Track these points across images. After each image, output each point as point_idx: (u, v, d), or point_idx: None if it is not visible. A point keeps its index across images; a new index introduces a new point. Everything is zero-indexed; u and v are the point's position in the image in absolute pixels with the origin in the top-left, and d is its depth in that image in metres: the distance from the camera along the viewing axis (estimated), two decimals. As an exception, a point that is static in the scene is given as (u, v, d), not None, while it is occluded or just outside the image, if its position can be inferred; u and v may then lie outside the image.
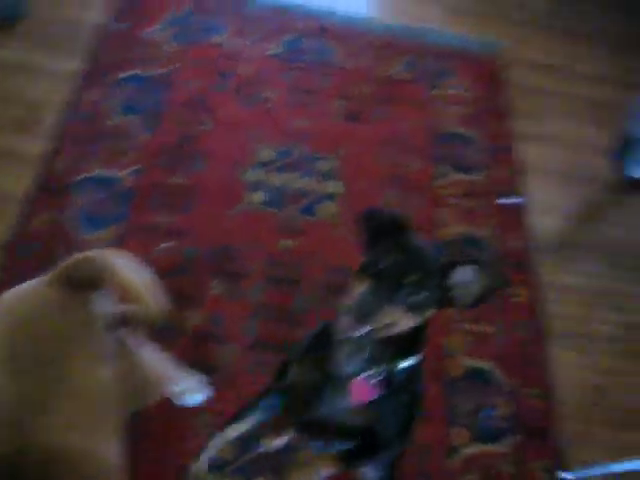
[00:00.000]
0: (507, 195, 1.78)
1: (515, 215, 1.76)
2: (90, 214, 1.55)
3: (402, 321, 0.85)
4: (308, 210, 1.66)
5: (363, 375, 0.92)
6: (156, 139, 1.71)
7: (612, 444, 1.42)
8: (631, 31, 2.35)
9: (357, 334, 0.85)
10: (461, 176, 1.81)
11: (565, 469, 1.36)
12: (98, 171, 1.63)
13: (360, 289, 0.83)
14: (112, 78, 1.81)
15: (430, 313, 0.87)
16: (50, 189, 1.58)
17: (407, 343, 0.90)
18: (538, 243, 1.70)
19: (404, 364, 0.93)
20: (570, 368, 1.51)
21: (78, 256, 0.88)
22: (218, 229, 1.58)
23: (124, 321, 0.94)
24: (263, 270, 1.54)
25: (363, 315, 0.82)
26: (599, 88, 2.14)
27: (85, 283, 0.87)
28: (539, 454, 1.40)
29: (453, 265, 0.86)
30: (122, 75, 1.82)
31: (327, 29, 2.08)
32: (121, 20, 1.95)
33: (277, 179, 1.70)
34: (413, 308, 0.84)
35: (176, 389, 1.25)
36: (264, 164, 1.72)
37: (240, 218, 1.61)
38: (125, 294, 0.96)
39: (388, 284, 0.82)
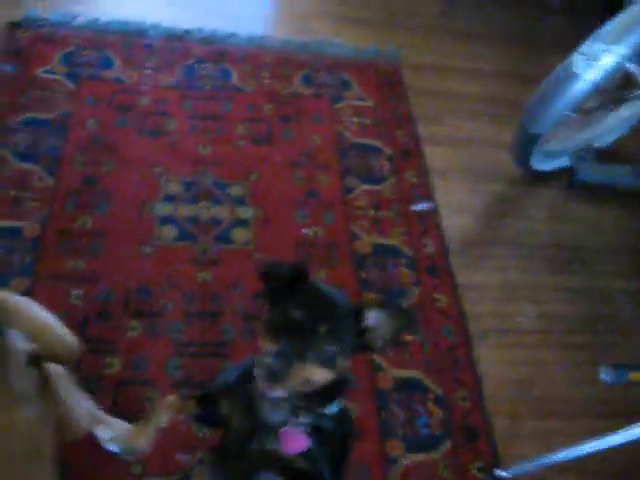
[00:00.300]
0: (418, 201, 1.81)
1: (428, 220, 1.79)
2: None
3: (317, 376, 0.82)
4: (222, 238, 1.64)
5: (290, 425, 0.90)
6: (58, 184, 1.66)
7: (541, 434, 1.46)
8: (525, 26, 2.43)
9: (274, 395, 0.83)
10: (371, 186, 1.83)
11: (500, 466, 1.39)
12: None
13: (269, 348, 0.81)
14: (5, 124, 1.74)
15: (345, 362, 0.85)
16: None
17: (329, 390, 0.88)
18: (451, 244, 1.73)
19: (331, 409, 0.91)
20: (495, 365, 1.55)
21: None
22: (131, 269, 1.55)
23: (36, 359, 0.93)
24: (182, 306, 1.51)
25: (275, 377, 0.79)
26: (497, 85, 2.21)
27: None
28: (475, 455, 1.42)
29: (361, 310, 0.85)
30: (16, 120, 1.76)
31: (223, 52, 2.07)
32: (10, 63, 1.88)
33: (187, 210, 1.68)
34: (326, 362, 0.81)
35: (100, 434, 1.22)
36: (172, 197, 1.69)
37: (153, 255, 1.58)
38: (32, 333, 0.96)
39: (296, 340, 0.79)
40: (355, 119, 1.99)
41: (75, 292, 1.48)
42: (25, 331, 0.95)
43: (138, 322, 1.47)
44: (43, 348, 0.95)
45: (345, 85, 2.08)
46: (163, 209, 1.67)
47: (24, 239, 1.55)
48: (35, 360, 0.92)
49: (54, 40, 1.99)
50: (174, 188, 1.71)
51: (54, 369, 0.99)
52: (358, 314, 0.85)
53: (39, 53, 1.94)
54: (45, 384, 0.94)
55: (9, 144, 1.71)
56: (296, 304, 0.82)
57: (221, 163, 1.79)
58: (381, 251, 1.70)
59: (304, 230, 1.69)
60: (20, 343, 0.91)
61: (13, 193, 1.62)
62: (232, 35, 2.12)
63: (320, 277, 1.60)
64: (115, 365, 1.40)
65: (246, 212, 1.70)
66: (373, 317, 0.84)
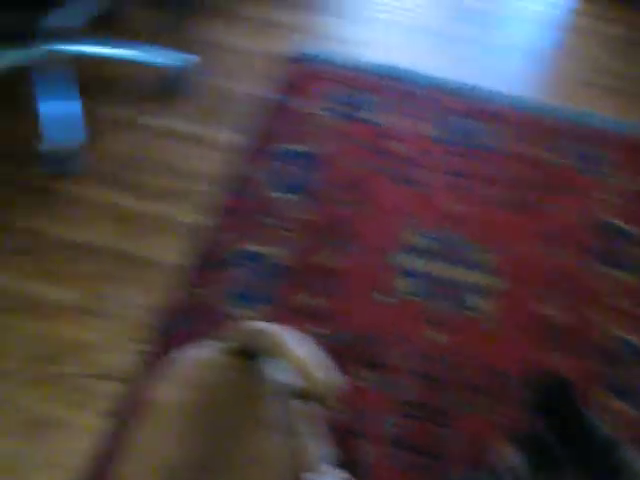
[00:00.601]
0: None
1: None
2: (239, 290, 1.55)
3: None
4: (459, 303, 1.58)
5: None
6: (308, 217, 1.70)
7: None
8: None
9: None
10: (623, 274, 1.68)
11: None
12: (249, 246, 1.63)
13: (514, 458, 0.74)
14: (268, 152, 1.83)
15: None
16: (200, 261, 1.59)
17: None
18: None
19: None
20: None
21: (250, 325, 0.94)
22: (363, 315, 1.54)
23: (294, 395, 0.95)
24: (408, 363, 1.47)
25: None
26: None
27: (258, 353, 0.92)
28: None
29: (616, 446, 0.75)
30: (278, 150, 1.84)
31: (483, 109, 2.03)
32: (282, 94, 1.97)
33: (427, 266, 1.64)
34: None
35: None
36: (415, 250, 1.67)
37: (386, 305, 1.56)
38: (295, 368, 0.96)
39: (549, 469, 0.73)
40: (616, 199, 1.85)
41: (307, 327, 1.50)
42: (286, 363, 0.95)
43: (368, 372, 1.45)
44: (304, 385, 0.95)
45: (606, 160, 1.95)
46: (403, 260, 1.64)
47: (267, 266, 1.60)
48: (298, 395, 0.93)
49: (321, 77, 2.06)
50: (418, 241, 1.69)
51: (302, 404, 0.99)
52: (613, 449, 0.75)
53: (306, 88, 2.02)
54: (292, 417, 0.96)
55: (265, 171, 1.79)
56: (554, 427, 0.76)
57: (468, 224, 1.74)
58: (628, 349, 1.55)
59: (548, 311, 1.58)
60: (279, 374, 0.92)
61: (262, 219, 1.69)
62: (494, 93, 2.08)
63: (560, 367, 1.49)
64: (337, 409, 1.39)
65: (489, 280, 1.63)
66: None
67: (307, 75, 2.06)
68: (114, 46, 1.90)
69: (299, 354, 0.98)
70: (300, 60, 2.09)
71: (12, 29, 1.71)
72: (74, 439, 1.30)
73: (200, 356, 0.98)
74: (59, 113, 1.70)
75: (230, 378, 0.92)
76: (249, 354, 0.93)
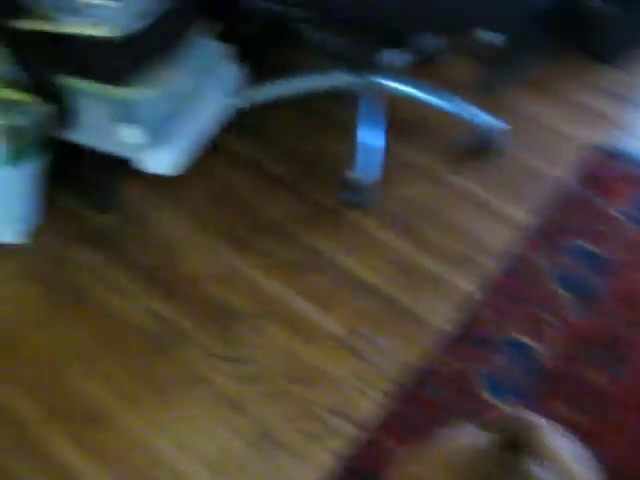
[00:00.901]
0: None
1: None
2: (496, 376, 1.47)
3: None
4: None
5: None
6: (580, 322, 1.58)
7: None
8: None
9: None
10: None
11: None
12: (513, 333, 1.55)
13: None
14: (556, 242, 1.73)
15: None
16: (462, 332, 1.53)
17: None
18: None
19: None
20: None
21: (518, 415, 0.88)
22: (629, 449, 1.38)
23: None
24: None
25: None
26: None
27: (525, 449, 0.84)
28: None
29: None
30: (567, 243, 1.74)
31: None
32: (584, 186, 1.87)
33: None
34: None
35: None
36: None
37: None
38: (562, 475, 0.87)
39: None
40: None
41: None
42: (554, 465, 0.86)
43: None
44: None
45: None
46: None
47: (527, 359, 1.50)
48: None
49: (630, 178, 1.92)
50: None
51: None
52: None
53: (611, 186, 1.89)
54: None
55: (548, 260, 1.69)
56: None
57: None
58: None
59: None
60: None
61: (532, 309, 1.59)
62: None
63: None
64: None
65: None
66: None
67: (615, 172, 1.93)
68: (429, 92, 1.91)
69: (569, 460, 0.90)
70: (612, 155, 1.97)
71: (354, 56, 1.77)
72: (301, 468, 1.30)
73: (462, 441, 0.93)
74: (369, 145, 1.73)
75: (490, 472, 0.84)
76: (515, 448, 0.85)
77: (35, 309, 1.51)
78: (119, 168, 1.69)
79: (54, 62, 1.54)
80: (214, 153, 1.78)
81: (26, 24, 1.49)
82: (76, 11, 1.48)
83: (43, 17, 1.48)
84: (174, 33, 1.62)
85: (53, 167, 1.63)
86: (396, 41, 1.74)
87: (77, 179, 1.72)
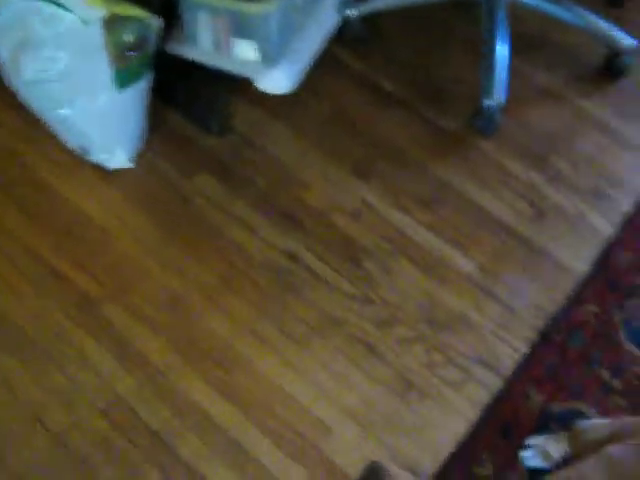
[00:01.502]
0: None
1: None
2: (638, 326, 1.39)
3: None
4: None
5: None
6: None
7: None
8: None
9: None
10: None
11: None
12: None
13: None
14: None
15: None
16: (604, 281, 1.44)
17: None
18: None
19: None
20: None
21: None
22: None
23: None
24: None
25: None
26: None
27: None
28: None
29: None
30: None
31: None
32: None
33: None
34: None
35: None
36: None
37: None
38: None
39: None
40: None
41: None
42: None
43: None
44: None
45: None
46: None
47: None
48: None
49: None
50: None
51: None
52: None
53: None
54: None
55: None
56: None
57: None
58: None
59: None
60: None
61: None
62: None
63: None
64: None
65: None
66: None
67: None
68: (554, 2, 1.73)
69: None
70: None
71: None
72: (442, 414, 1.26)
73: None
74: (497, 64, 1.58)
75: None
76: None
77: (150, 238, 1.44)
78: (230, 88, 1.57)
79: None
80: (327, 70, 1.64)
81: None
82: None
83: None
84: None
85: (160, 86, 1.50)
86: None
87: (187, 99, 1.59)
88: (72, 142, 1.51)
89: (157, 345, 1.31)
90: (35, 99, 1.49)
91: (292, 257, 1.41)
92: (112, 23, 1.31)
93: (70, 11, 1.31)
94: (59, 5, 1.31)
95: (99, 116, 1.44)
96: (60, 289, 1.36)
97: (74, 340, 1.30)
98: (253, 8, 1.40)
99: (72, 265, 1.39)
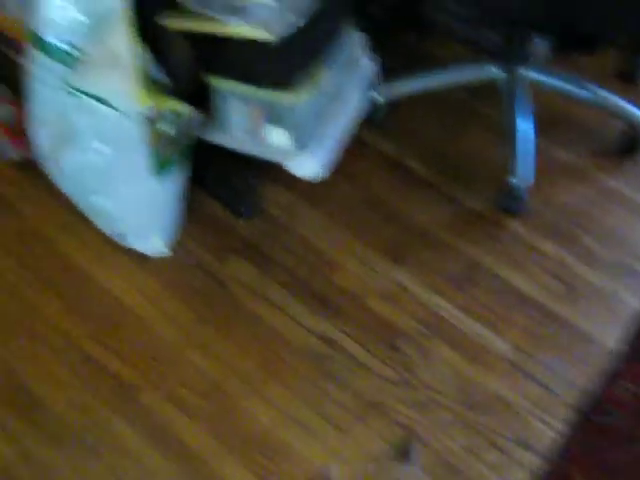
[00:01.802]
0: None
1: None
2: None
3: None
4: None
5: None
6: None
7: None
8: None
9: None
10: None
11: None
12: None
13: None
14: None
15: None
16: (632, 351, 1.46)
17: None
18: None
19: None
20: None
21: None
22: None
23: None
24: None
25: None
26: None
27: None
28: None
29: None
30: None
31: None
32: None
33: None
34: None
35: None
36: None
37: None
38: None
39: None
40: None
41: None
42: None
43: None
44: None
45: None
46: None
47: None
48: None
49: None
50: None
51: None
52: None
53: None
54: None
55: None
56: None
57: None
58: None
59: None
60: None
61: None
62: None
63: None
64: None
65: None
66: None
67: None
68: (574, 84, 1.78)
69: None
70: None
71: (506, 49, 1.66)
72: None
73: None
74: (524, 144, 1.62)
75: None
76: None
77: (187, 326, 1.45)
78: (262, 172, 1.61)
79: (206, 63, 1.44)
80: (355, 153, 1.68)
81: (176, 23, 1.39)
82: (232, 10, 1.37)
83: (197, 16, 1.38)
84: (329, 31, 1.51)
85: (193, 172, 1.55)
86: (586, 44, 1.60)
87: (215, 182, 1.63)
88: (108, 228, 1.55)
89: (197, 432, 1.31)
90: (72, 187, 1.53)
91: (329, 341, 1.42)
92: (153, 116, 1.36)
93: (111, 106, 1.36)
94: (100, 100, 1.36)
95: (136, 204, 1.48)
96: (97, 376, 1.37)
97: (114, 429, 1.31)
98: (285, 98, 1.45)
99: (109, 352, 1.41)
